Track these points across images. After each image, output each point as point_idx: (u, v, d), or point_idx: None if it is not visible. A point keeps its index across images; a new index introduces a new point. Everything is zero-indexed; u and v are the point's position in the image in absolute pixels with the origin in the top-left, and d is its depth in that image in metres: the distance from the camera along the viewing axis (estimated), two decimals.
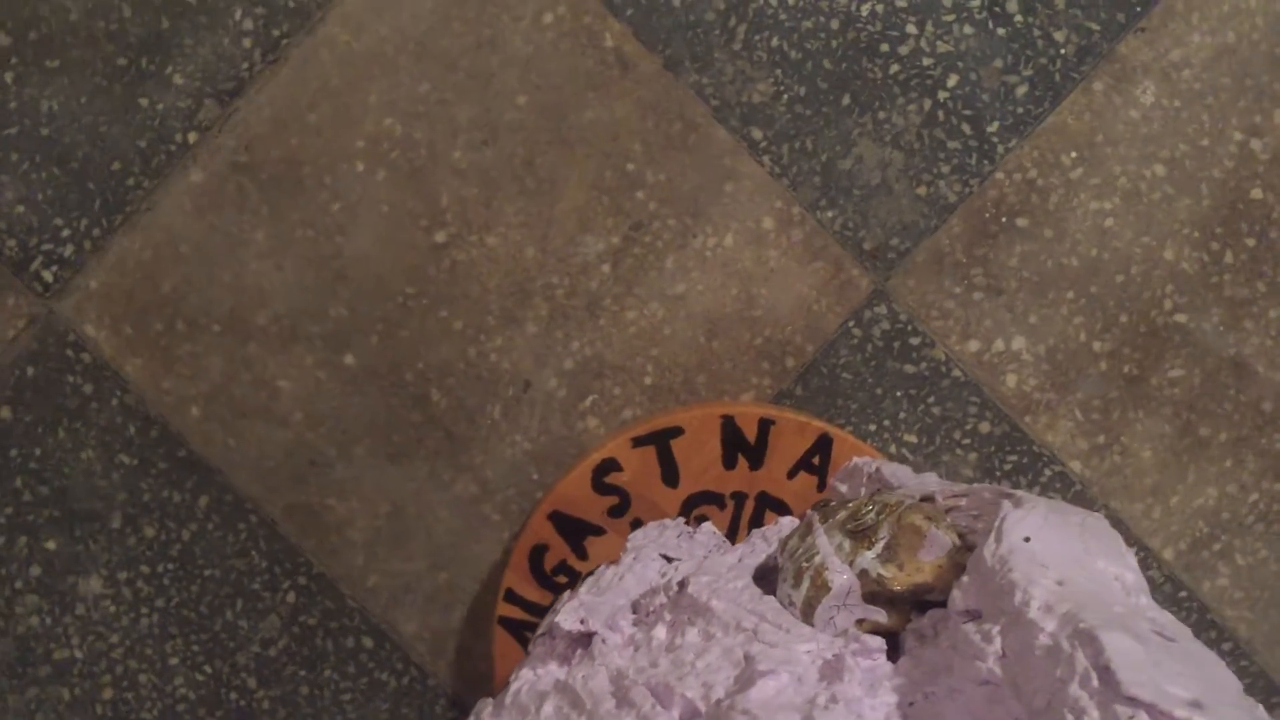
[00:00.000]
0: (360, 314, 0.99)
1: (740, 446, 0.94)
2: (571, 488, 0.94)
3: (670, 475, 0.94)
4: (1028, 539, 0.49)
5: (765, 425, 0.94)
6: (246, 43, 0.97)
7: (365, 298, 0.99)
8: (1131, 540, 0.99)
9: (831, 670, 0.50)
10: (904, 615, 0.57)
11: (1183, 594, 1.00)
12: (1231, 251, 0.99)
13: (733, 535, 0.95)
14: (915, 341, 0.99)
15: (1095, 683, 0.36)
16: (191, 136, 0.98)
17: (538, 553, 0.95)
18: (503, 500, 1.01)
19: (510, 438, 1.00)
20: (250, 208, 0.98)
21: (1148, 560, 0.99)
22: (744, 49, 0.98)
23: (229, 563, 1.01)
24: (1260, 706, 0.38)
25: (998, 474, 0.99)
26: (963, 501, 0.59)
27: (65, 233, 0.98)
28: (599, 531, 0.95)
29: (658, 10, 0.97)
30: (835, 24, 0.97)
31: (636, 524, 0.94)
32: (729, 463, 0.94)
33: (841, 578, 0.57)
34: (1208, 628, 1.00)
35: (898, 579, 0.56)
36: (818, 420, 0.94)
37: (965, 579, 0.50)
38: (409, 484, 1.00)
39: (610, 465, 0.94)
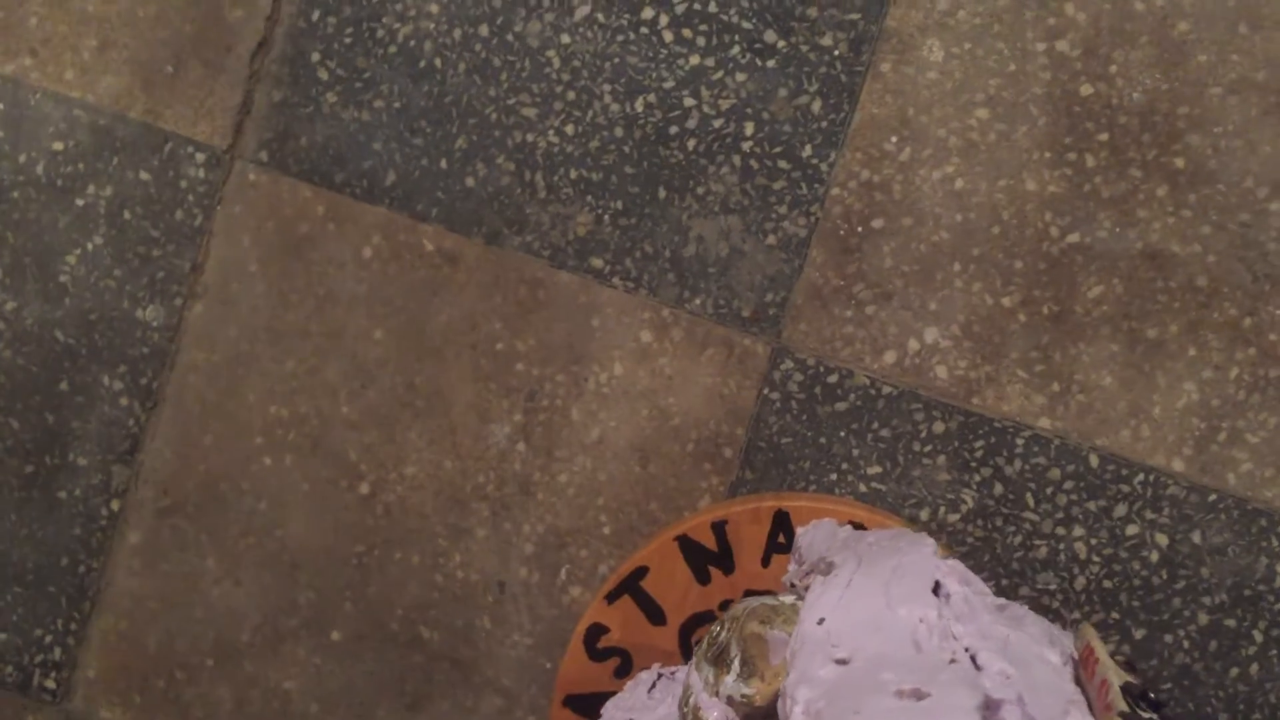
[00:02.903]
0: (326, 591, 1.01)
1: (706, 558, 0.92)
2: (572, 668, 0.94)
3: (655, 615, 0.93)
4: (821, 620, 0.47)
5: (719, 528, 0.92)
6: (124, 401, 1.02)
7: (323, 574, 1.01)
8: (1135, 469, 0.94)
9: None
10: None
11: (1212, 498, 0.94)
12: (1090, 154, 0.95)
13: None
14: (833, 379, 0.97)
15: None
16: (115, 505, 1.02)
17: None
18: (529, 700, 1.01)
19: (509, 639, 1.00)
20: (191, 542, 1.02)
21: (1160, 481, 0.94)
22: (549, 194, 0.99)
23: None
24: None
25: (972, 465, 0.96)
26: (811, 578, 0.58)
27: (48, 639, 1.03)
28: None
29: (457, 198, 0.99)
30: (619, 131, 0.98)
31: None
32: (702, 578, 0.93)
33: (713, 714, 0.55)
34: (1254, 518, 0.94)
35: (761, 692, 0.54)
36: (769, 499, 0.93)
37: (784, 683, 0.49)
38: None
39: (597, 630, 0.93)
